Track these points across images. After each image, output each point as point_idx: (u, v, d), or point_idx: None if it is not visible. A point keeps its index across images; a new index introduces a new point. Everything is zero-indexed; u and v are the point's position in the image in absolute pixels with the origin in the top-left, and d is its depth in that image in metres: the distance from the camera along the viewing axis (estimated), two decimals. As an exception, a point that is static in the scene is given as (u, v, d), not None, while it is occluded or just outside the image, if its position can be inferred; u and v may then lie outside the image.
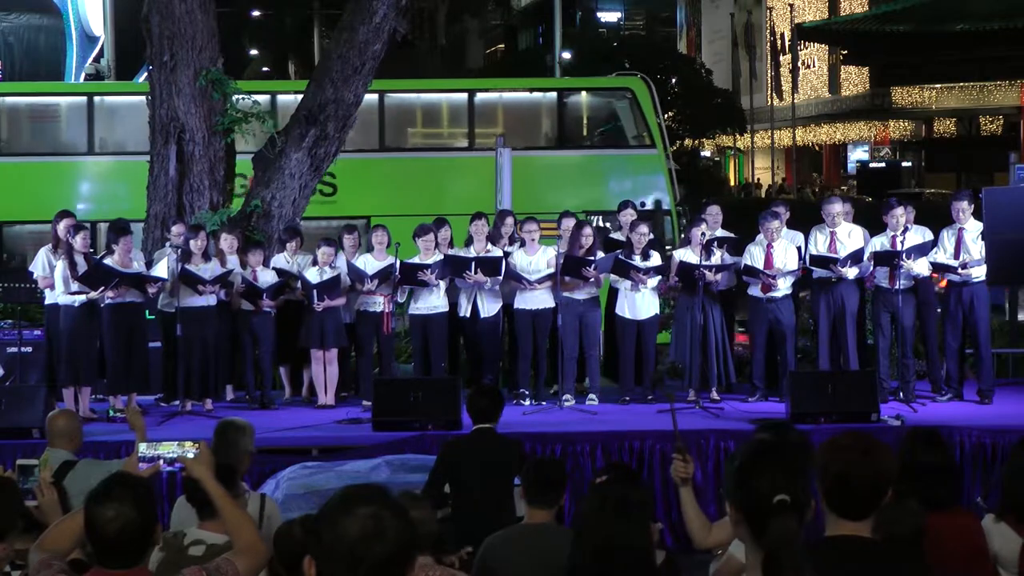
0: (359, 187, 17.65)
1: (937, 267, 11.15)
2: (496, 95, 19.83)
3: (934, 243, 11.25)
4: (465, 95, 19.12)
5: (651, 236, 11.65)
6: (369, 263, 11.48)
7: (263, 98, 15.67)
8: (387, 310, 11.40)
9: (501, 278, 11.37)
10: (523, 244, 11.67)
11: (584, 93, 20.56)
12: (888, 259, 11.04)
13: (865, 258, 11.16)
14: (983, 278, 11.23)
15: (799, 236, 11.72)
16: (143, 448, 4.54)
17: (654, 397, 11.37)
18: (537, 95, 20.32)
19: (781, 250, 11.30)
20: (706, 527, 5.15)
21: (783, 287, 11.29)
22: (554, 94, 19.64)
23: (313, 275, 11.43)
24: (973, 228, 11.31)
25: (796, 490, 3.09)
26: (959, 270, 11.07)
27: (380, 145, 18.46)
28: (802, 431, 5.95)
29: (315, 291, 11.24)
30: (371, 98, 18.36)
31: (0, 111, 19.20)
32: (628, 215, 12.12)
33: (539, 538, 5.41)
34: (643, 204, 14.60)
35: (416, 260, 11.45)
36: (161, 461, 4.46)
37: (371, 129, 18.32)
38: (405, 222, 12.42)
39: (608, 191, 17.39)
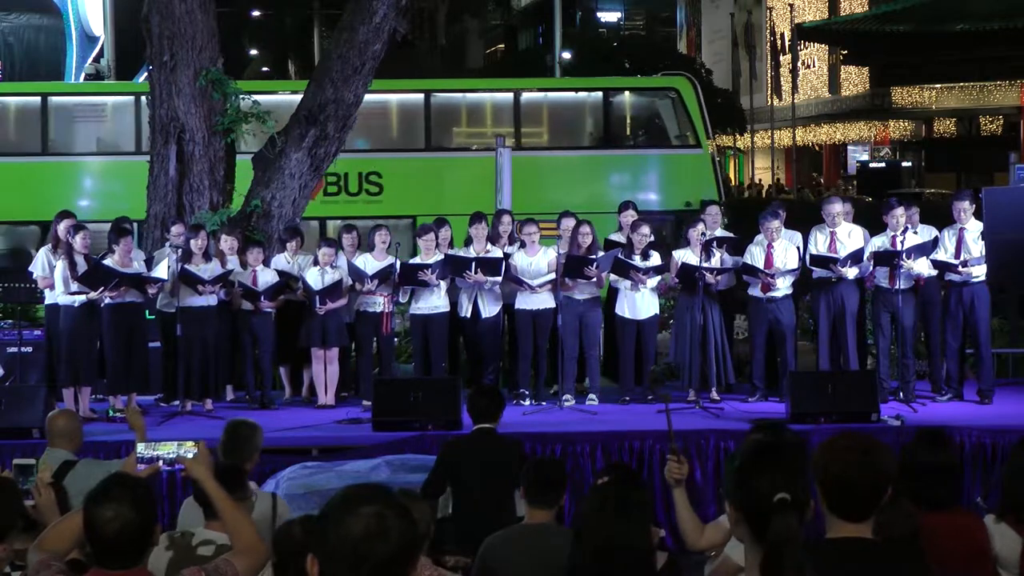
0: (404, 187, 17.72)
1: (938, 266, 11.14)
2: (541, 95, 19.79)
3: (935, 243, 11.25)
4: (511, 95, 19.09)
5: (651, 237, 11.64)
6: (369, 263, 11.47)
7: (268, 98, 15.68)
8: (387, 310, 11.40)
9: (501, 279, 11.37)
10: (523, 245, 11.67)
11: (630, 93, 20.55)
12: (888, 259, 11.04)
13: (865, 258, 11.17)
14: (983, 278, 11.23)
15: (798, 236, 11.73)
16: (141, 448, 4.54)
17: (654, 397, 11.37)
18: (582, 95, 20.32)
19: (781, 250, 11.31)
20: (699, 528, 5.17)
21: (782, 287, 11.29)
22: (599, 94, 19.59)
23: (314, 275, 11.43)
24: (974, 228, 11.31)
25: (796, 489, 3.09)
26: (960, 268, 11.07)
27: (426, 145, 18.44)
28: (797, 431, 5.96)
29: (317, 297, 11.24)
30: (417, 98, 18.50)
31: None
32: (629, 216, 12.11)
33: (539, 538, 5.40)
34: (689, 204, 14.51)
35: (417, 260, 11.46)
36: (160, 462, 4.46)
37: (417, 129, 18.38)
38: (452, 221, 12.37)
39: (653, 191, 17.26)
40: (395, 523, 2.73)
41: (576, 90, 21.14)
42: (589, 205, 14.49)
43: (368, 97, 18.52)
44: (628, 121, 20.18)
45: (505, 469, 7.14)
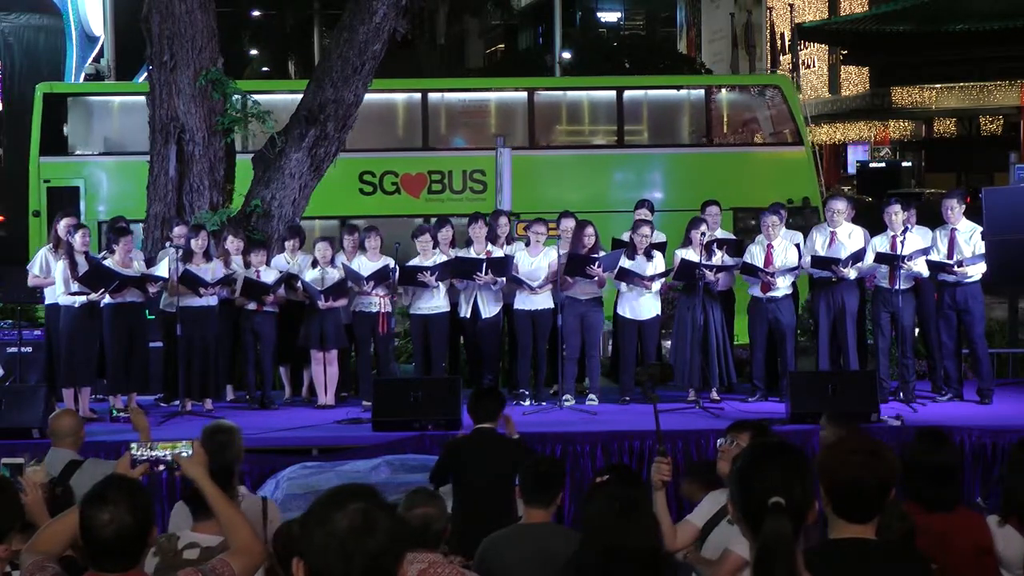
0: (510, 183, 17.83)
1: (934, 266, 11.13)
2: (642, 92, 19.83)
3: (930, 248, 11.25)
4: (613, 92, 19.12)
5: (653, 237, 11.64)
6: (364, 265, 11.48)
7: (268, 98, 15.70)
8: (383, 310, 11.41)
9: (504, 280, 11.39)
10: (528, 243, 11.68)
11: (732, 90, 20.54)
12: (891, 259, 11.02)
13: (868, 260, 11.16)
14: (978, 278, 11.22)
15: (797, 235, 11.73)
16: (136, 448, 4.52)
17: (644, 397, 11.37)
18: (684, 92, 20.32)
19: (781, 249, 11.31)
20: (672, 530, 5.24)
21: (782, 285, 11.28)
22: (701, 91, 19.62)
23: (313, 275, 11.43)
24: (965, 228, 11.29)
25: (793, 493, 3.08)
26: (955, 269, 11.06)
27: (529, 143, 18.50)
28: (777, 432, 6.00)
29: (321, 295, 11.24)
30: (520, 96, 18.58)
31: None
32: (641, 214, 12.13)
33: (537, 537, 5.40)
34: (790, 201, 14.45)
35: (415, 262, 11.46)
36: (160, 464, 4.44)
37: (520, 127, 18.45)
38: (551, 219, 12.39)
39: (755, 188, 17.19)
40: (381, 518, 2.73)
41: (678, 88, 21.26)
42: (690, 202, 14.41)
43: (471, 96, 18.57)
44: (730, 118, 20.17)
45: (505, 469, 7.13)
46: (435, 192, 17.66)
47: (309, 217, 13.69)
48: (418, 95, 18.69)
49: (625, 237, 12.33)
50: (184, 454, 4.37)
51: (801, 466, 3.22)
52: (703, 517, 5.41)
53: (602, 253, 11.40)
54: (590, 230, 11.38)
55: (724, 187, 16.48)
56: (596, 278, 11.23)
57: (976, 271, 11.13)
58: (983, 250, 11.15)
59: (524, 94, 18.74)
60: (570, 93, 20.21)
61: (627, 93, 19.14)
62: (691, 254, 11.34)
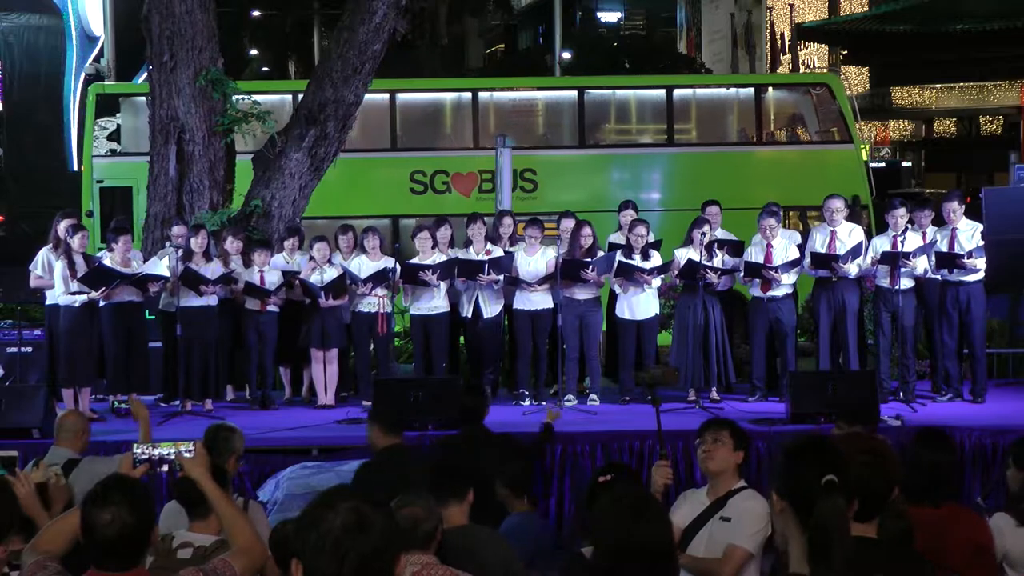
0: (559, 183, 17.89)
1: (943, 260, 11.12)
2: (690, 91, 19.86)
3: (932, 244, 11.25)
4: (663, 91, 19.16)
5: (650, 236, 11.64)
6: (364, 264, 11.48)
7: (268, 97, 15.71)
8: (382, 311, 11.41)
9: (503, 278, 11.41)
10: (524, 243, 11.69)
11: (781, 89, 20.53)
12: (893, 258, 11.01)
13: (869, 260, 11.16)
14: (980, 278, 11.23)
15: (795, 235, 11.75)
16: (139, 448, 4.52)
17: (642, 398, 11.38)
18: (733, 91, 20.36)
19: (781, 248, 11.31)
20: (675, 532, 5.23)
21: (786, 281, 11.29)
22: (751, 90, 19.61)
23: (313, 276, 11.44)
24: (966, 228, 11.31)
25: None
26: (964, 260, 11.04)
27: (580, 142, 18.54)
28: (777, 432, 5.99)
29: (322, 292, 11.25)
30: (571, 95, 18.63)
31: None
32: (628, 215, 12.12)
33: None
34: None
35: (416, 260, 11.47)
36: (163, 464, 4.44)
37: (571, 126, 18.49)
38: (606, 217, 12.38)
39: (805, 186, 17.18)
40: (376, 518, 2.73)
41: (727, 86, 21.32)
42: (739, 201, 14.39)
43: (521, 95, 18.58)
44: (779, 117, 20.16)
45: (492, 464, 7.14)
46: (486, 191, 17.74)
47: (359, 216, 13.54)
48: (468, 94, 18.75)
49: (612, 238, 12.35)
50: (187, 454, 4.38)
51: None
52: (684, 518, 5.39)
53: (601, 254, 11.41)
54: (587, 230, 11.39)
55: (773, 185, 16.42)
56: (591, 281, 11.24)
57: (983, 264, 11.14)
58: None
59: (575, 93, 18.78)
60: (619, 92, 20.25)
61: (677, 92, 19.19)
62: (691, 254, 11.34)
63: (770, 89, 20.17)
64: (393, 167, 17.27)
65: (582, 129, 18.70)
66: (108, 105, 18.32)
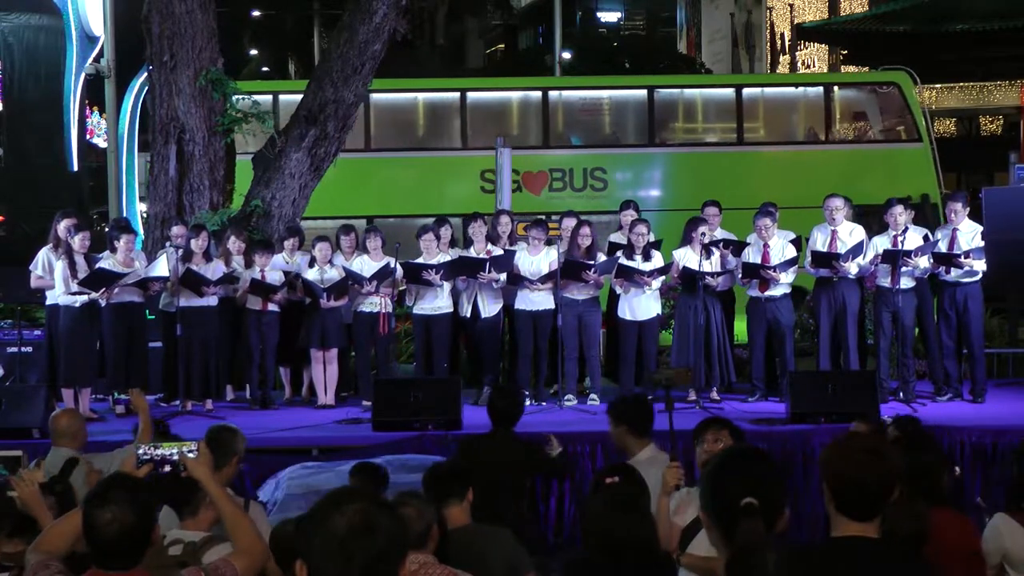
0: (629, 181, 17.90)
1: (940, 259, 11.13)
2: (758, 90, 19.84)
3: (934, 244, 11.25)
4: (732, 90, 19.13)
5: (651, 236, 11.65)
6: (366, 264, 11.49)
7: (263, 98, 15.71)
8: (384, 311, 11.41)
9: (504, 277, 11.41)
10: (528, 244, 11.70)
11: (849, 88, 20.52)
12: (895, 256, 11.01)
13: (868, 259, 11.16)
14: (979, 277, 11.23)
15: (791, 234, 11.75)
16: (142, 448, 4.53)
17: (654, 397, 11.35)
18: (801, 90, 20.30)
19: (778, 248, 11.32)
20: (677, 533, 5.27)
21: (784, 280, 11.29)
22: (820, 89, 19.59)
23: (313, 275, 11.44)
24: (967, 229, 11.31)
25: (764, 496, 3.13)
26: (962, 259, 11.05)
27: (650, 140, 18.51)
28: (776, 432, 5.99)
29: (324, 293, 11.25)
30: (640, 94, 18.69)
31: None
32: (628, 215, 12.13)
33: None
34: (909, 197, 14.51)
35: (420, 260, 11.49)
36: (166, 464, 4.44)
37: (641, 125, 18.53)
38: (672, 216, 12.37)
39: (874, 185, 17.12)
40: (381, 519, 2.72)
41: (796, 85, 21.29)
42: (807, 199, 14.41)
43: (589, 94, 18.61)
44: (848, 115, 20.14)
45: (521, 470, 7.13)
46: (556, 190, 17.74)
47: (427, 215, 13.43)
48: (538, 93, 18.77)
49: (613, 238, 12.34)
50: (190, 455, 4.38)
51: (771, 471, 3.31)
52: (683, 518, 5.40)
53: (600, 256, 11.42)
54: (586, 230, 11.40)
55: (843, 184, 16.44)
56: (591, 282, 11.25)
57: (980, 265, 11.14)
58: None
59: (644, 92, 18.80)
60: (687, 91, 20.26)
61: (746, 91, 19.16)
62: (690, 254, 11.35)
63: (839, 88, 20.14)
64: (464, 166, 17.29)
65: (652, 127, 18.73)
66: None
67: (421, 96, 19.21)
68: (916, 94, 18.75)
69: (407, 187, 17.14)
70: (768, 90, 20.23)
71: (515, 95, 19.67)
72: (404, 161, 17.94)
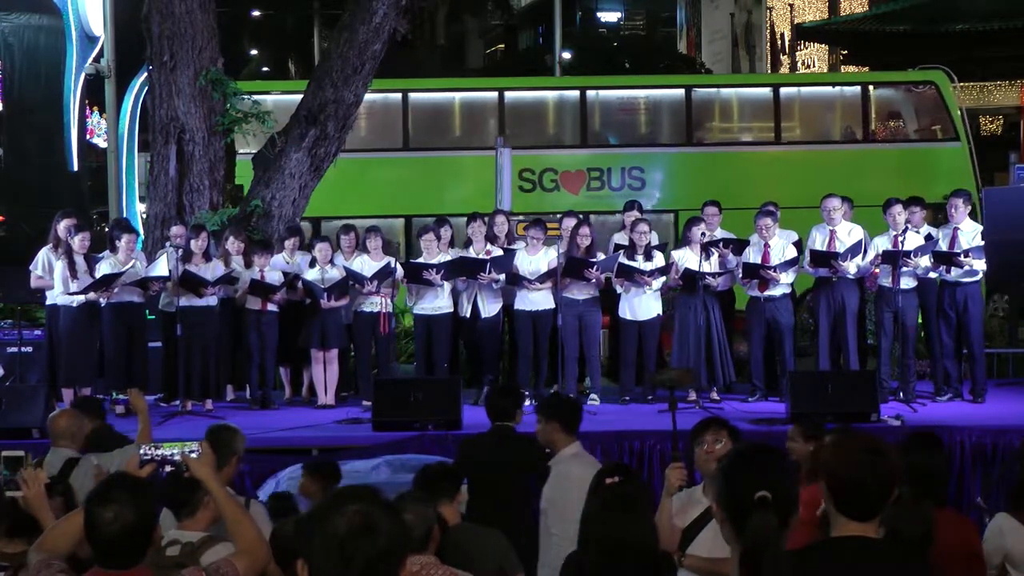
0: (666, 181, 18.02)
1: (940, 258, 11.13)
2: (795, 90, 19.84)
3: (935, 243, 11.26)
4: (770, 90, 19.15)
5: (653, 237, 11.65)
6: (367, 264, 11.49)
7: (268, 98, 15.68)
8: (384, 310, 11.41)
9: (504, 277, 11.42)
10: (527, 244, 11.70)
11: (887, 87, 20.50)
12: (895, 256, 11.02)
13: (868, 259, 11.16)
14: (978, 278, 11.24)
15: (793, 234, 11.75)
16: (144, 448, 4.53)
17: (654, 397, 11.37)
18: (838, 89, 20.32)
19: (779, 248, 11.32)
20: (677, 533, 5.26)
21: (785, 280, 11.29)
22: (857, 88, 19.56)
23: (314, 275, 11.44)
24: (968, 228, 11.31)
25: (779, 490, 3.13)
26: (961, 258, 11.05)
27: (687, 139, 18.57)
28: (775, 432, 5.99)
29: (324, 293, 11.25)
30: (677, 93, 18.72)
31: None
32: (631, 215, 12.13)
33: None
34: (946, 197, 14.62)
35: (421, 260, 11.49)
36: (168, 464, 4.44)
37: (679, 124, 18.54)
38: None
39: (913, 184, 17.18)
40: (382, 520, 2.71)
41: (833, 84, 21.37)
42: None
43: (627, 93, 18.60)
44: (885, 114, 20.11)
45: (523, 468, 7.13)
46: (594, 189, 17.75)
47: (460, 215, 13.37)
48: (576, 92, 18.78)
49: (616, 238, 12.34)
50: (192, 455, 4.38)
51: (786, 467, 3.32)
52: (683, 518, 5.40)
53: (600, 256, 11.42)
54: (585, 230, 11.40)
55: (880, 183, 16.33)
56: (593, 280, 11.25)
57: (980, 265, 11.14)
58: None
59: (681, 91, 18.82)
60: (724, 90, 20.25)
61: (783, 90, 19.17)
62: (689, 254, 11.36)
63: (876, 87, 20.11)
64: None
65: (689, 127, 18.75)
66: None
67: (458, 96, 19.29)
68: (953, 93, 18.72)
69: (439, 184, 17.05)
70: (805, 89, 20.22)
71: (551, 94, 19.67)
72: (438, 161, 17.82)
